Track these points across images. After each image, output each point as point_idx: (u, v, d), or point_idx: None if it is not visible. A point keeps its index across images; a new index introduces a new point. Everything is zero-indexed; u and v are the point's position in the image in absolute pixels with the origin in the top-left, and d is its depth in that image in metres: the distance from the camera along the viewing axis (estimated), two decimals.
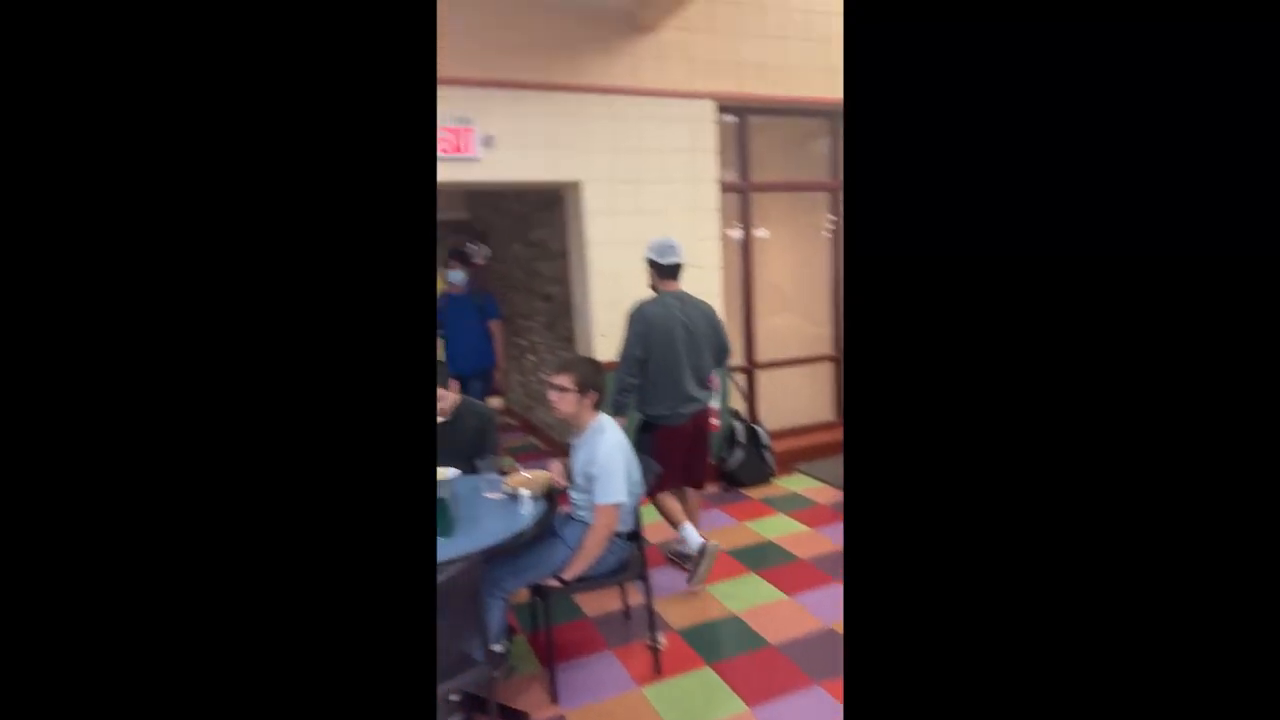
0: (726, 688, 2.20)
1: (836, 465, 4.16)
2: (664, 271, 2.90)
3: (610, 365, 2.71)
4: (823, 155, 4.59)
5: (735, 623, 2.60)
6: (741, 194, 4.31)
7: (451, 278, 4.21)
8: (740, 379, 4.52)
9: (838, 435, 4.50)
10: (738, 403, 4.42)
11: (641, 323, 2.83)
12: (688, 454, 2.99)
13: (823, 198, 4.65)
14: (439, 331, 4.13)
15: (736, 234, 4.37)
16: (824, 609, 2.65)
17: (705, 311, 2.99)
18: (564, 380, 2.20)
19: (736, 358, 4.46)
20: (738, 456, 4.08)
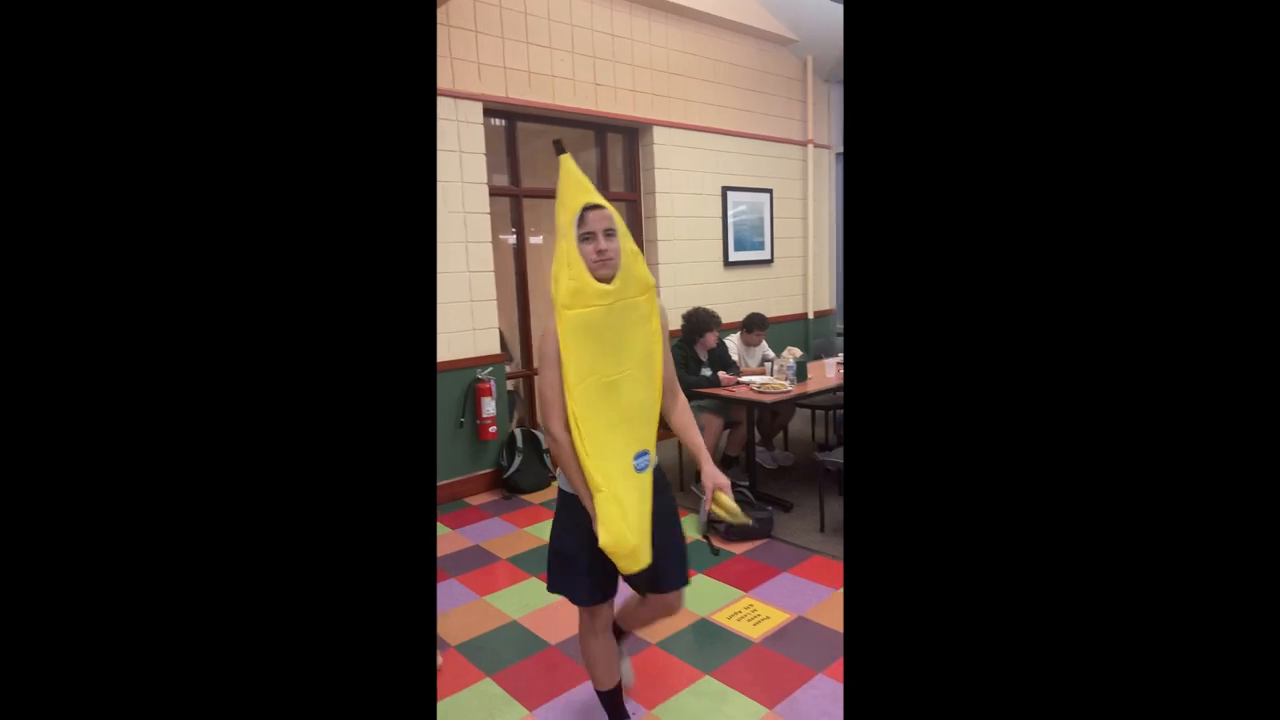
0: (506, 695, 2.15)
1: None
2: None
3: None
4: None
5: (515, 628, 2.56)
6: (513, 199, 4.30)
7: None
8: (517, 384, 4.48)
9: None
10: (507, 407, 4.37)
11: None
12: None
13: None
14: None
15: (509, 239, 4.34)
16: None
17: None
18: None
19: (515, 362, 4.43)
20: (517, 463, 4.04)
